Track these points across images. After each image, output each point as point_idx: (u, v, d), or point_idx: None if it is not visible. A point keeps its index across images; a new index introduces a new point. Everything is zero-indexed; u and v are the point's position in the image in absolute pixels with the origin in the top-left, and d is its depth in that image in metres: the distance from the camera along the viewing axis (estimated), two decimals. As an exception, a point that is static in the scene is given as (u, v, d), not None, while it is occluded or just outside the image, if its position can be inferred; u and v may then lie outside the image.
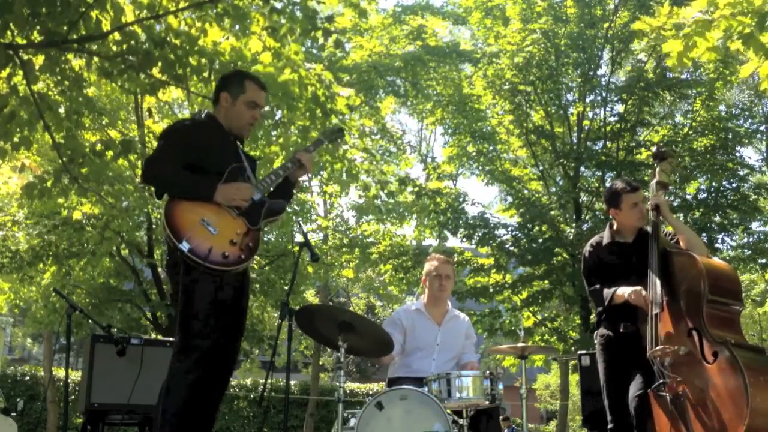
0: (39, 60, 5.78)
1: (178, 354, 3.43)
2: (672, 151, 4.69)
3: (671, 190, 13.63)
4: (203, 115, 3.81)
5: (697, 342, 3.82)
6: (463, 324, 4.94)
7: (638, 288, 4.07)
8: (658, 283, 4.03)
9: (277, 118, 7.91)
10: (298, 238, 3.93)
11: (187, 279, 3.39)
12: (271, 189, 3.78)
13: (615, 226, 4.44)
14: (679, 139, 13.56)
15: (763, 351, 4.02)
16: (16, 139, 6.10)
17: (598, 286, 4.33)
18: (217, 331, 3.43)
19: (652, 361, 3.89)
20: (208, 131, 3.66)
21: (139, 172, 10.05)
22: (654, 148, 4.61)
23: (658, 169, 4.43)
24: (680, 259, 4.07)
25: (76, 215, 9.62)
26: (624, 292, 4.11)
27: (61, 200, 7.86)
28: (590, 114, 14.22)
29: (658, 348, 3.87)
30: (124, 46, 5.89)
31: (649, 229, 4.30)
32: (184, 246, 3.32)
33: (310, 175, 14.24)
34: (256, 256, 13.28)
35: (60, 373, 15.28)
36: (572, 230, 12.79)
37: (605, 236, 4.44)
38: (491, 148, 14.43)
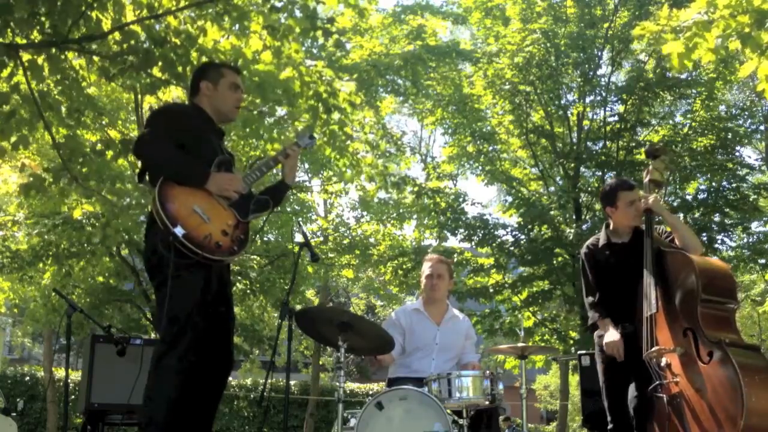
0: (39, 60, 5.79)
1: (163, 348, 3.32)
2: (668, 150, 4.69)
3: (671, 190, 13.63)
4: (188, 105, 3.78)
5: (693, 342, 3.82)
6: (463, 324, 4.94)
7: (617, 340, 4.12)
8: (653, 282, 4.03)
9: (278, 115, 7.92)
10: (298, 238, 3.93)
11: (177, 266, 3.27)
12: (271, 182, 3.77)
13: (611, 226, 4.45)
14: (679, 139, 13.56)
15: (758, 349, 4.03)
16: (14, 139, 6.10)
17: (593, 300, 4.36)
18: (204, 322, 3.35)
19: (648, 363, 3.89)
20: (196, 118, 3.64)
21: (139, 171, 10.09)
22: (647, 147, 4.63)
23: (651, 167, 4.43)
24: (674, 258, 4.07)
25: (77, 213, 9.62)
26: (604, 336, 4.21)
27: (61, 198, 7.86)
28: (590, 114, 14.22)
29: (653, 349, 3.87)
30: (124, 46, 5.89)
31: (643, 227, 4.31)
32: (179, 231, 3.25)
33: (308, 176, 14.24)
34: (256, 256, 13.25)
35: (60, 373, 15.28)
36: (572, 230, 12.79)
37: (601, 237, 4.45)
38: (491, 148, 14.44)
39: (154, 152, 3.46)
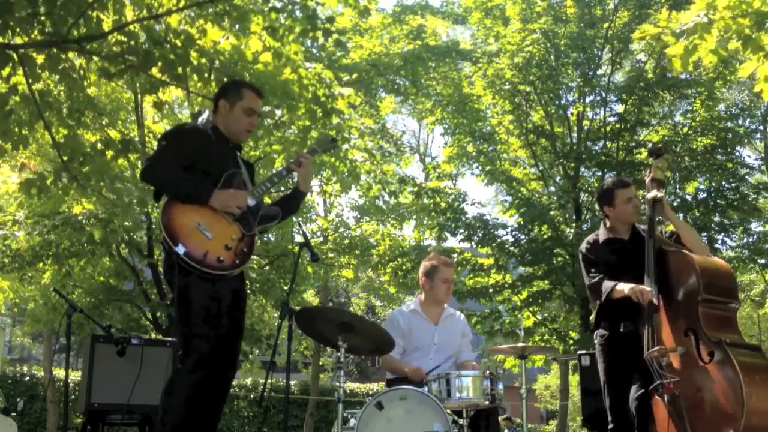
0: (39, 59, 5.79)
1: (180, 356, 3.48)
2: (669, 149, 4.67)
3: (671, 190, 13.63)
4: (204, 117, 3.88)
5: (694, 342, 3.82)
6: (459, 322, 4.95)
7: (640, 286, 4.03)
8: (654, 282, 4.03)
9: (277, 117, 7.91)
10: (298, 238, 3.95)
11: (183, 282, 3.44)
12: (273, 192, 3.84)
13: (609, 224, 4.45)
14: (679, 139, 13.56)
15: (759, 349, 4.02)
16: (16, 138, 6.10)
17: (599, 277, 4.28)
18: (214, 333, 3.46)
19: (649, 362, 3.89)
20: (207, 136, 3.73)
21: (139, 171, 10.09)
22: (649, 145, 4.61)
23: (653, 166, 4.42)
24: (675, 257, 4.06)
25: (76, 209, 9.63)
26: (624, 287, 4.08)
27: (62, 194, 7.87)
28: (590, 114, 14.22)
29: (654, 349, 3.87)
30: (124, 46, 5.90)
31: (644, 227, 4.30)
32: (180, 249, 3.39)
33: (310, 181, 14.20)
34: (256, 256, 13.24)
35: (60, 373, 15.27)
36: (572, 230, 12.79)
37: (601, 234, 4.44)
38: (491, 148, 14.43)
39: (157, 175, 3.60)
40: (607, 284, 4.20)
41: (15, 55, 5.57)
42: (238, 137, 3.84)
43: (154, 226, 11.72)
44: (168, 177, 3.57)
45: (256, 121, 3.89)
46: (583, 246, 4.49)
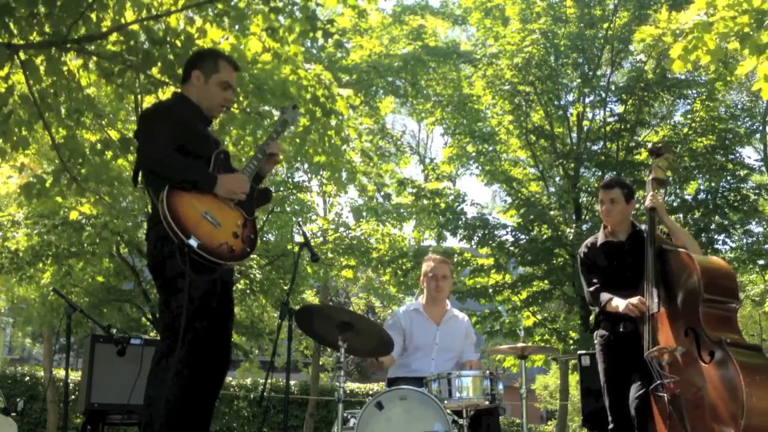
0: (38, 60, 5.79)
1: (165, 350, 3.29)
2: (670, 148, 4.68)
3: (670, 190, 13.63)
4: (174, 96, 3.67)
5: (694, 341, 3.82)
6: (462, 324, 4.95)
7: (632, 300, 4.06)
8: (654, 282, 4.03)
9: (276, 117, 7.91)
10: (298, 238, 3.95)
11: (186, 273, 3.23)
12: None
13: (609, 227, 4.46)
14: (679, 139, 13.55)
15: (760, 349, 4.02)
16: (16, 139, 6.10)
17: (597, 286, 4.33)
18: (207, 325, 3.34)
19: (649, 362, 3.89)
20: (187, 113, 3.54)
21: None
22: (650, 145, 4.62)
23: (654, 165, 4.43)
24: (676, 257, 4.07)
25: (73, 215, 9.62)
26: (619, 304, 4.12)
27: (59, 199, 7.86)
28: (590, 114, 14.22)
29: (654, 348, 3.87)
30: (124, 46, 5.90)
31: (644, 227, 4.31)
32: (193, 242, 3.20)
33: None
34: (256, 256, 13.20)
35: (60, 373, 15.26)
36: (572, 230, 12.79)
37: (599, 237, 4.46)
38: (490, 148, 14.43)
39: (161, 163, 3.35)
40: (604, 296, 4.26)
41: (14, 56, 5.57)
42: (211, 112, 3.63)
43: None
44: (170, 163, 3.32)
45: (230, 96, 3.67)
46: (581, 250, 4.51)
